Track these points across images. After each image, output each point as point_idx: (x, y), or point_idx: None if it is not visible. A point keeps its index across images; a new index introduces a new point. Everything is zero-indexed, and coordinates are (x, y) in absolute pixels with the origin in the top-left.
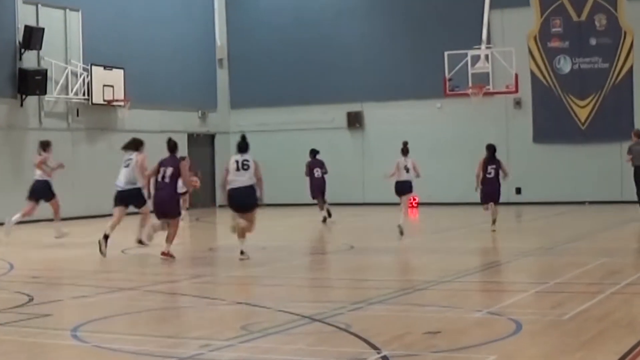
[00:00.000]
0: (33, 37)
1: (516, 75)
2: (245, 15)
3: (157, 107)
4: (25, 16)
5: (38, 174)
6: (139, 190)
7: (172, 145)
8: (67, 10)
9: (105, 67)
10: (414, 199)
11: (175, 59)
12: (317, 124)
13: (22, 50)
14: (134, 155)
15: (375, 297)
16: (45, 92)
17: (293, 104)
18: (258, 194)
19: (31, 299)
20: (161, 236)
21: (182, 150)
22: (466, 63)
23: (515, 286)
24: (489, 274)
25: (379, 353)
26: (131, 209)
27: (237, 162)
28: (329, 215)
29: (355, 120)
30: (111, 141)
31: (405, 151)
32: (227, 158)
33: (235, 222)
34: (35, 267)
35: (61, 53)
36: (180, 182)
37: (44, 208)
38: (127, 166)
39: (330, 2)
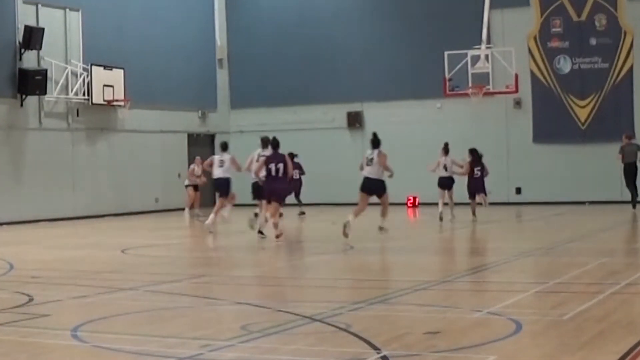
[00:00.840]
0: (33, 37)
1: (516, 75)
2: (245, 15)
3: (157, 107)
4: (25, 16)
5: (220, 172)
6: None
7: (275, 144)
8: (67, 10)
9: (105, 67)
10: (414, 199)
11: (175, 59)
12: (317, 124)
13: (22, 50)
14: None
15: (375, 297)
16: (45, 92)
17: (293, 104)
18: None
19: (31, 299)
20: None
21: (182, 150)
22: (466, 63)
23: (515, 286)
24: (489, 274)
25: (378, 353)
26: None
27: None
28: (303, 213)
29: (355, 120)
30: (111, 141)
31: (446, 151)
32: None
33: (346, 222)
34: (35, 267)
35: (61, 53)
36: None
37: (44, 208)
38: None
39: (330, 2)
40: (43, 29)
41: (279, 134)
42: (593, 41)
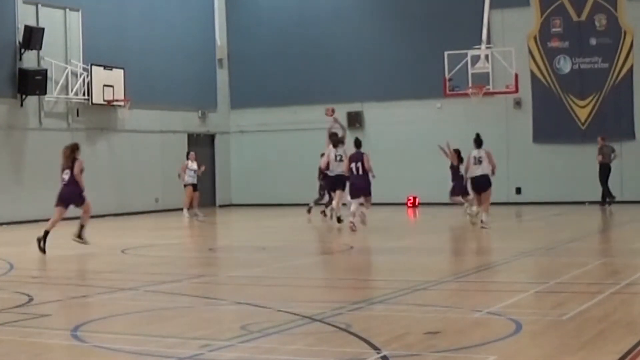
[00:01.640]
0: (33, 37)
1: (516, 75)
2: (245, 15)
3: (157, 107)
4: (25, 16)
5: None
6: (343, 177)
7: (358, 143)
8: (67, 10)
9: (105, 67)
10: (414, 199)
11: (175, 59)
12: (317, 124)
13: (22, 50)
14: (341, 151)
15: (375, 297)
16: (45, 92)
17: (293, 104)
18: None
19: (31, 299)
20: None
21: (182, 150)
22: (466, 63)
23: (515, 286)
24: (489, 274)
25: (378, 353)
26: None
27: (475, 158)
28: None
29: (355, 120)
30: (111, 141)
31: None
32: (226, 158)
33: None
34: (35, 267)
35: (61, 53)
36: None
37: (44, 208)
38: (340, 160)
39: (330, 2)
40: (43, 29)
41: (279, 134)
42: (593, 41)
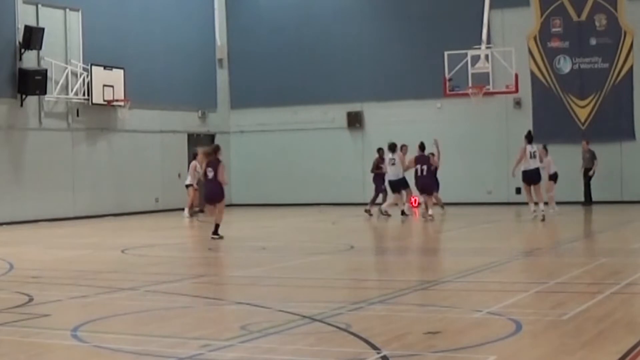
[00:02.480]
0: (33, 37)
1: (516, 75)
2: (245, 15)
3: (157, 107)
4: (25, 16)
5: (392, 171)
6: (403, 179)
7: (422, 146)
8: (67, 10)
9: (105, 67)
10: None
11: (175, 59)
12: (317, 124)
13: (22, 50)
14: (396, 155)
15: (375, 297)
16: (45, 92)
17: (293, 104)
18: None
19: (31, 299)
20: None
21: (182, 150)
22: (466, 63)
23: (515, 286)
24: (489, 274)
25: (378, 353)
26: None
27: (530, 152)
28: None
29: (355, 120)
30: (111, 141)
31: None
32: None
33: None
34: (35, 267)
35: (61, 53)
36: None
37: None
38: (393, 164)
39: (330, 2)
40: (43, 29)
41: (279, 134)
42: (593, 41)
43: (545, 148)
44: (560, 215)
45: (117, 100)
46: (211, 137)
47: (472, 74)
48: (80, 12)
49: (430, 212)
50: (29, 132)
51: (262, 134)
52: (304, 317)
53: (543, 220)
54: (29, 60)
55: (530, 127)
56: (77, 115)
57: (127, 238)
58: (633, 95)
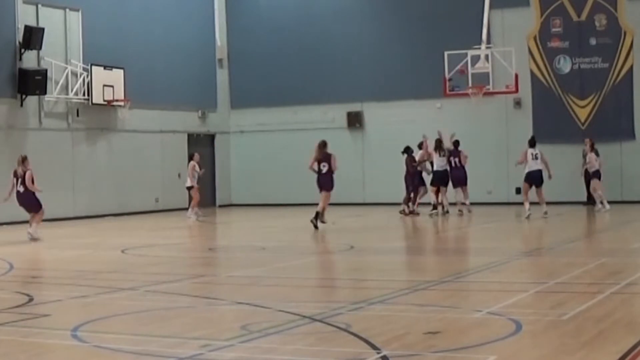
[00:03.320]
0: (33, 37)
1: (516, 75)
2: (245, 15)
3: (157, 107)
4: (25, 16)
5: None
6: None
7: (456, 143)
8: (67, 10)
9: (105, 67)
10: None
11: (175, 59)
12: (317, 124)
13: (22, 50)
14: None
15: (375, 297)
16: (45, 92)
17: (293, 104)
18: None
19: (31, 299)
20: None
21: (182, 150)
22: (466, 63)
23: (515, 286)
24: (489, 274)
25: (378, 353)
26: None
27: (532, 154)
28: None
29: (355, 120)
30: (111, 141)
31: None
32: (226, 158)
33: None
34: (35, 267)
35: (61, 53)
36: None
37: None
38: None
39: (330, 2)
40: (43, 29)
41: (279, 134)
42: (593, 41)
43: (592, 146)
44: (560, 215)
45: (117, 100)
46: (211, 137)
47: (472, 74)
48: (80, 12)
49: (467, 202)
50: (29, 132)
51: (262, 134)
52: (304, 317)
53: (546, 214)
54: (29, 60)
55: (530, 127)
56: (77, 115)
57: (127, 238)
58: (633, 95)
